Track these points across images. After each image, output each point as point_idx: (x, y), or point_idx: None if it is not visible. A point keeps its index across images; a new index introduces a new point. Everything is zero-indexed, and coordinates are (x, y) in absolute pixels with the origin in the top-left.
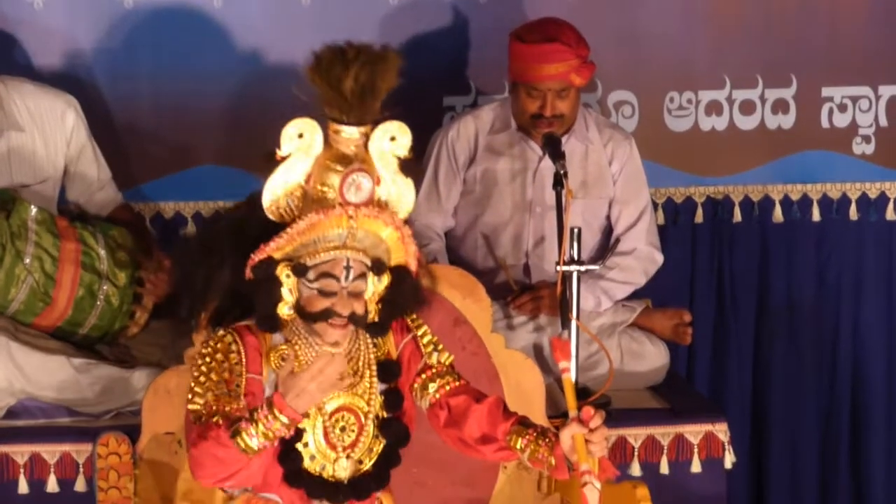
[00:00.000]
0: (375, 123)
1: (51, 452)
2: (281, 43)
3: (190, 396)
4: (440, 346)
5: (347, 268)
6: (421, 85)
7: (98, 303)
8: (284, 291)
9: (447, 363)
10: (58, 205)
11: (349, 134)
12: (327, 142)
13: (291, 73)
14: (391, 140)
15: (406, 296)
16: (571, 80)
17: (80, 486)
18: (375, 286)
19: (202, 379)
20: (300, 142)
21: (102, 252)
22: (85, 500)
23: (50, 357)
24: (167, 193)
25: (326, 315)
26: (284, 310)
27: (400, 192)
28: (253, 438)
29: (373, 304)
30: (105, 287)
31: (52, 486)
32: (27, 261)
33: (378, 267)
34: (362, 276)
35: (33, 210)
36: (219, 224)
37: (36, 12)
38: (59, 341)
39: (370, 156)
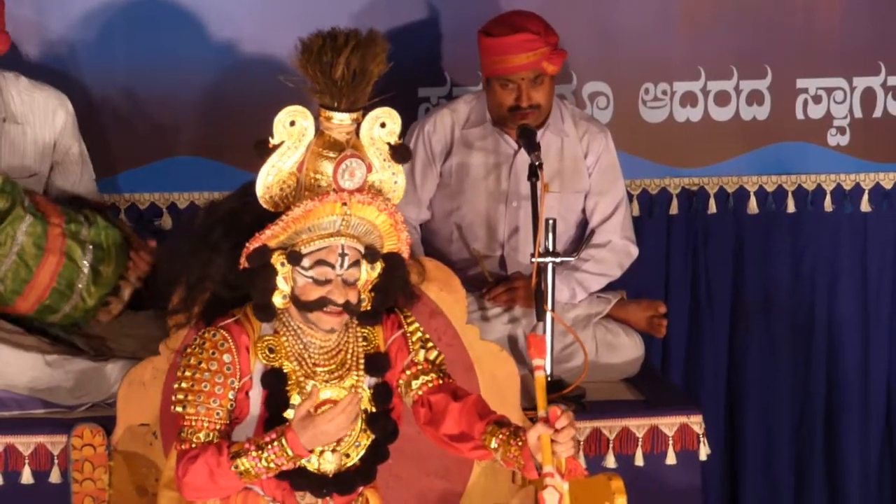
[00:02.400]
0: (365, 110)
1: (25, 444)
2: (258, 34)
3: (176, 396)
4: (429, 344)
5: (342, 255)
6: (396, 76)
7: (73, 296)
8: (279, 280)
9: (435, 361)
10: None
11: (340, 120)
12: (319, 130)
13: (267, 64)
14: (381, 126)
15: (399, 284)
16: (544, 68)
17: (54, 477)
18: (368, 274)
19: (189, 375)
20: (292, 130)
21: (86, 268)
22: (60, 492)
23: (24, 354)
24: (143, 184)
25: (322, 304)
26: (279, 299)
27: (392, 179)
28: (257, 465)
29: (365, 293)
30: (80, 286)
31: (26, 477)
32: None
33: (371, 254)
34: (356, 263)
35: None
36: (213, 214)
37: (8, 2)
38: (34, 336)
39: (361, 142)
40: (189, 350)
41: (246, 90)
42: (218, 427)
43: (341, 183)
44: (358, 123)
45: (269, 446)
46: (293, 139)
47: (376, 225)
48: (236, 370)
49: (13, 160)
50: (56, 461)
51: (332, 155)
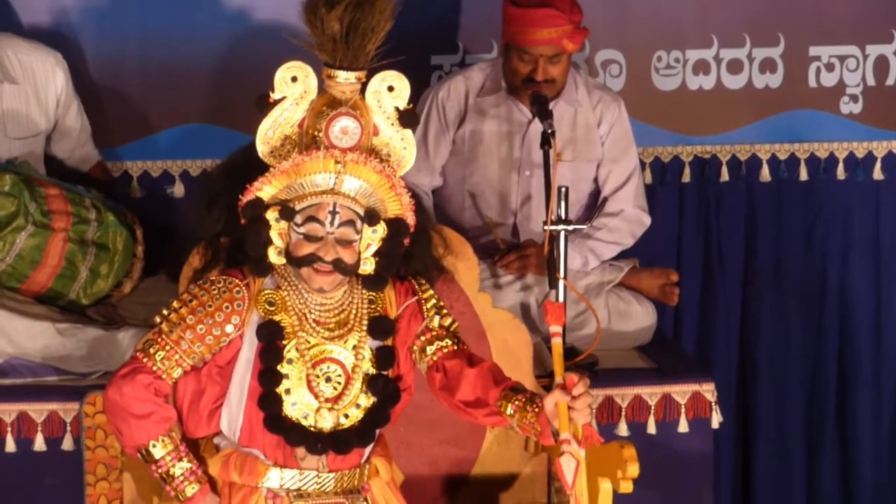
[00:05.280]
0: (373, 72)
1: (38, 411)
2: (270, 1)
3: (165, 311)
4: (444, 312)
5: (333, 212)
6: (409, 44)
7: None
8: (274, 235)
9: (450, 327)
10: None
11: (343, 78)
12: (323, 88)
13: (280, 31)
14: (389, 90)
15: (400, 249)
16: (564, 46)
17: (67, 444)
18: (369, 237)
19: (189, 301)
20: (294, 86)
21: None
22: (72, 459)
23: (35, 322)
24: (155, 152)
25: (310, 260)
26: (274, 254)
27: (401, 144)
28: (163, 465)
29: (369, 256)
30: (77, 286)
31: (39, 444)
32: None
33: (371, 217)
34: (350, 223)
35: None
36: (221, 168)
37: None
38: (44, 306)
39: (366, 104)
40: (199, 283)
41: (258, 57)
42: (187, 367)
43: (333, 140)
44: (362, 83)
45: (176, 480)
46: (296, 96)
47: (374, 186)
48: (245, 307)
49: (15, 120)
50: (69, 428)
51: (330, 112)
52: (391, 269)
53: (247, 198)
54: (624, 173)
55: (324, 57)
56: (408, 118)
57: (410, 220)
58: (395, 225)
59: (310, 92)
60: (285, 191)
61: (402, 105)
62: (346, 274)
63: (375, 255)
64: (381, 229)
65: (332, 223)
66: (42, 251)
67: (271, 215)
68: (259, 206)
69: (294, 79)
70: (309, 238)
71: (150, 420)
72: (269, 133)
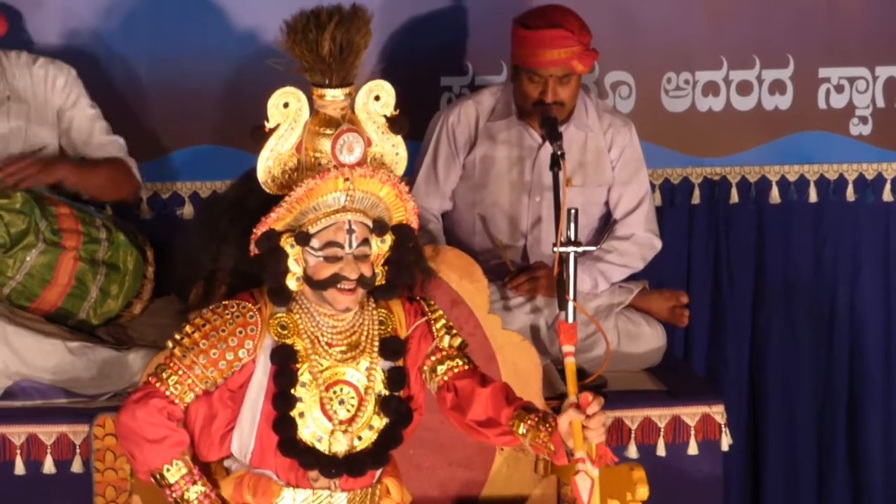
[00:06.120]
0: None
1: (47, 433)
2: (279, 23)
3: (177, 336)
4: (454, 332)
5: (350, 231)
6: (419, 65)
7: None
8: (290, 263)
9: (460, 347)
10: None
11: (333, 96)
12: (314, 109)
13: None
14: (376, 100)
15: (410, 255)
16: (573, 67)
17: (76, 467)
18: (379, 247)
19: (202, 327)
20: (287, 111)
21: (94, 292)
22: (81, 481)
23: (45, 340)
24: (165, 174)
25: (335, 280)
26: (293, 282)
27: (392, 151)
28: (178, 490)
29: (379, 267)
30: (87, 306)
31: (48, 466)
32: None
33: (380, 227)
34: (366, 239)
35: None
36: (218, 205)
37: None
38: (55, 325)
39: (357, 117)
40: (212, 307)
41: (268, 79)
42: (199, 392)
43: (340, 158)
44: (351, 98)
45: (197, 499)
46: (289, 121)
47: (381, 197)
48: (258, 332)
49: (21, 136)
50: (78, 451)
51: (329, 132)
52: (402, 276)
53: (261, 230)
54: (635, 197)
55: (315, 78)
56: (397, 124)
57: (415, 223)
58: (401, 231)
59: (303, 116)
60: (297, 216)
61: (390, 112)
62: (367, 287)
63: (385, 263)
64: (389, 238)
65: (350, 244)
66: (52, 269)
67: (286, 242)
68: (273, 236)
69: (286, 104)
70: (329, 259)
71: (163, 444)
72: (268, 163)
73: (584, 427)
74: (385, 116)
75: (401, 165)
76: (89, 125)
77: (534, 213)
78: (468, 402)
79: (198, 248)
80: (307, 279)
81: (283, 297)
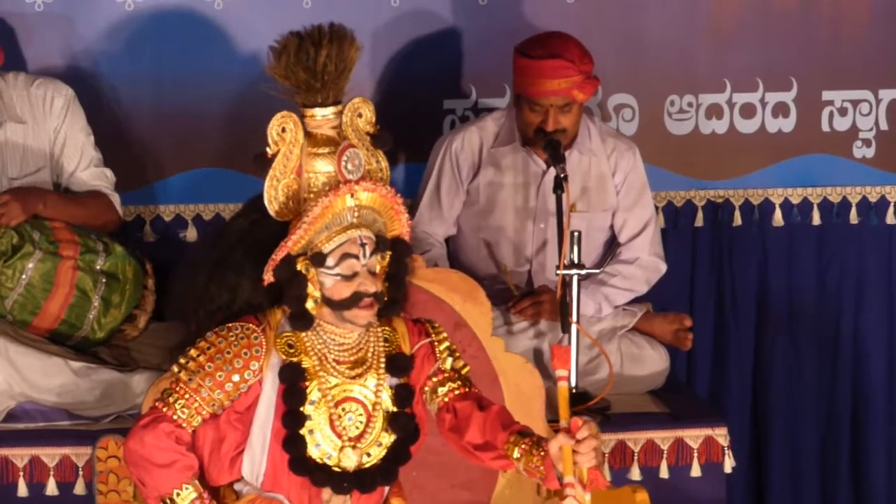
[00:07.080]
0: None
1: (50, 455)
2: None
3: (182, 360)
4: (457, 354)
5: (362, 245)
6: (422, 88)
7: (84, 327)
8: (309, 286)
9: (461, 370)
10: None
11: (325, 115)
12: (306, 131)
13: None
14: (359, 117)
15: (406, 269)
16: (574, 97)
17: (79, 489)
18: (380, 263)
19: (207, 349)
20: (284, 136)
21: (97, 301)
22: None
23: (49, 360)
24: (168, 196)
25: (357, 298)
26: (311, 304)
27: (377, 166)
28: None
29: (380, 283)
30: (91, 317)
31: (51, 489)
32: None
33: (382, 242)
34: (374, 252)
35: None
36: (225, 239)
37: (37, 14)
38: (58, 345)
39: (346, 135)
40: (217, 330)
41: (271, 102)
42: (206, 415)
43: (346, 174)
44: (341, 115)
45: None
46: (287, 146)
47: (381, 211)
48: (263, 354)
49: (17, 159)
50: (81, 473)
51: (326, 151)
52: (402, 289)
53: (281, 255)
54: (640, 222)
55: (307, 98)
56: (382, 140)
57: (408, 237)
58: (398, 245)
59: (298, 140)
60: (310, 239)
61: (372, 129)
62: (381, 302)
63: (385, 279)
64: (387, 254)
65: (364, 255)
66: (52, 277)
67: (301, 266)
68: (291, 261)
69: (283, 130)
70: (346, 277)
71: (173, 469)
72: (272, 192)
73: (574, 452)
74: (368, 133)
75: (386, 179)
76: (78, 156)
77: (538, 238)
78: (466, 425)
79: (209, 284)
80: (327, 301)
81: (305, 321)
